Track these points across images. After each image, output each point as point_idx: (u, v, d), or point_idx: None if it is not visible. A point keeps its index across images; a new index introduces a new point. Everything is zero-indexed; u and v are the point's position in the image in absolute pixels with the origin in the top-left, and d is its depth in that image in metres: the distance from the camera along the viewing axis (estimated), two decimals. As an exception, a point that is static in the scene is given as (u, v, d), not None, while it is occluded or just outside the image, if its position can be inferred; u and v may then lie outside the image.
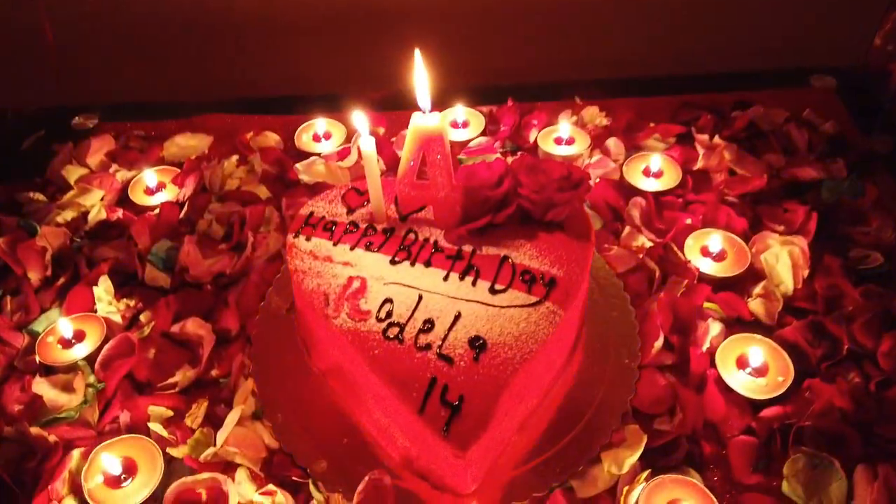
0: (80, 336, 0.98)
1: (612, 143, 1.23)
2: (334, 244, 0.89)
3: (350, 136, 1.29)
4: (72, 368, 0.95)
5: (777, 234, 1.04)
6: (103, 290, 1.01)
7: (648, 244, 1.05)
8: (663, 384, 0.88)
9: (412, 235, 0.89)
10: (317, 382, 0.90)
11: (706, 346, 0.91)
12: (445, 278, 0.83)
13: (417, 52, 0.83)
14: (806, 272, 0.99)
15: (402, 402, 0.73)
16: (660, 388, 0.88)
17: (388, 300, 0.81)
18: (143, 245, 1.08)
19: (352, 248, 0.88)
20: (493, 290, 0.81)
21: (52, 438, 0.87)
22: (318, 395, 0.89)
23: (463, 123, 1.31)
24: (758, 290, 0.98)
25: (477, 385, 0.73)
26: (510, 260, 0.84)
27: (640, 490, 0.77)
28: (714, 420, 0.85)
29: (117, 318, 1.00)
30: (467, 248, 0.86)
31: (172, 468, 0.84)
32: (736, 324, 0.95)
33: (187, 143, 1.30)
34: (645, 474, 0.78)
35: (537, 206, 0.88)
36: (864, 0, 1.39)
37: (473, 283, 0.82)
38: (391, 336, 0.78)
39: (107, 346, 0.95)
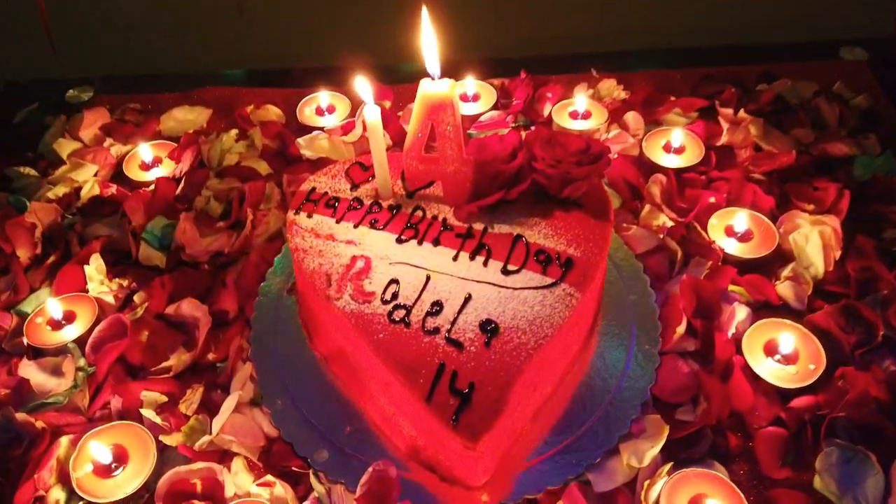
0: (70, 317, 0.94)
1: (631, 117, 1.18)
2: (337, 221, 0.86)
3: (355, 109, 1.24)
4: (61, 351, 0.91)
5: (806, 213, 1.01)
6: (95, 269, 0.97)
7: (669, 224, 1.01)
8: (686, 371, 0.85)
9: (420, 212, 0.86)
10: (319, 368, 0.88)
11: (732, 331, 0.88)
12: (455, 258, 0.80)
13: (425, 11, 0.77)
14: (838, 254, 0.96)
15: (409, 389, 0.71)
16: (682, 376, 0.85)
17: (394, 281, 0.78)
18: (138, 222, 1.04)
19: (355, 226, 0.85)
20: (505, 271, 0.78)
21: (39, 425, 0.83)
22: (319, 381, 0.87)
23: (473, 97, 1.26)
24: (786, 272, 0.95)
25: (488, 372, 0.70)
26: (524, 239, 0.81)
27: (661, 484, 0.74)
28: (740, 410, 0.82)
29: (110, 299, 0.96)
30: (478, 227, 0.83)
31: (166, 457, 0.81)
32: (763, 308, 0.92)
33: (185, 117, 1.26)
34: (667, 467, 0.76)
35: (553, 182, 0.84)
36: (896, -32, 1.33)
37: (485, 264, 0.79)
38: (397, 319, 0.75)
39: (98, 328, 0.91)
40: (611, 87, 1.25)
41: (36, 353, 0.91)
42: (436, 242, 0.82)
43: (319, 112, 1.25)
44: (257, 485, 0.78)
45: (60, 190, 1.11)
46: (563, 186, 0.83)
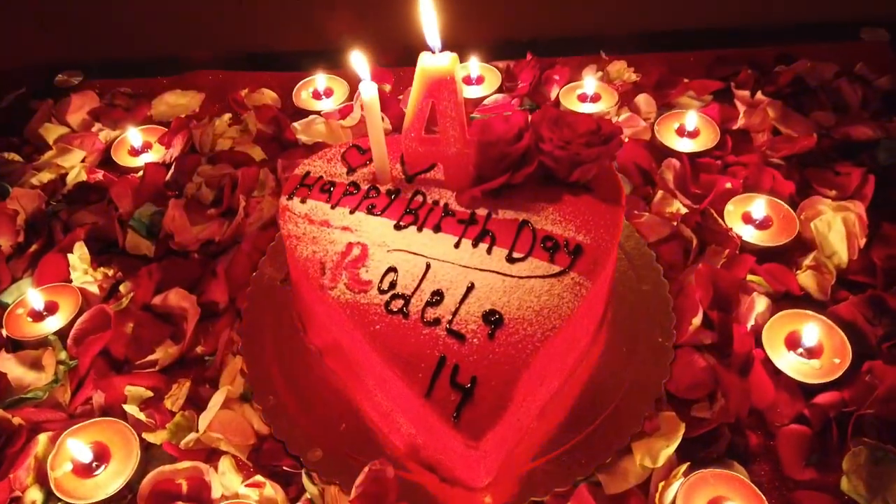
0: (52, 308, 0.90)
1: (643, 99, 1.15)
2: (332, 207, 0.82)
3: (353, 93, 1.19)
4: (42, 344, 0.88)
5: (829, 199, 0.98)
6: (78, 257, 0.93)
7: (684, 210, 0.98)
8: (702, 366, 0.82)
9: (420, 197, 0.83)
10: (313, 362, 0.85)
11: (751, 323, 0.86)
12: (457, 245, 0.77)
13: (424, -22, 0.72)
14: (862, 241, 0.93)
15: (407, 384, 0.67)
16: (698, 371, 0.82)
17: (392, 269, 0.75)
18: (125, 209, 1.00)
19: (352, 212, 0.82)
20: (510, 259, 0.75)
21: (16, 421, 0.80)
22: (313, 375, 0.84)
23: (477, 79, 1.22)
24: (808, 261, 0.92)
25: (492, 365, 0.67)
26: (530, 225, 0.78)
27: (677, 486, 0.71)
28: (761, 407, 0.80)
29: (94, 289, 0.92)
30: (482, 212, 0.80)
31: (150, 456, 0.79)
32: (784, 299, 0.89)
33: (177, 102, 1.22)
34: (683, 468, 0.72)
35: (561, 164, 0.80)
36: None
37: (488, 251, 0.76)
38: (395, 309, 0.72)
39: (80, 320, 0.87)
40: (621, 70, 1.21)
41: (15, 345, 0.88)
42: (436, 229, 0.79)
43: (316, 95, 1.21)
44: (246, 485, 0.74)
45: (45, 176, 1.08)
46: (572, 169, 0.80)
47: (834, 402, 0.78)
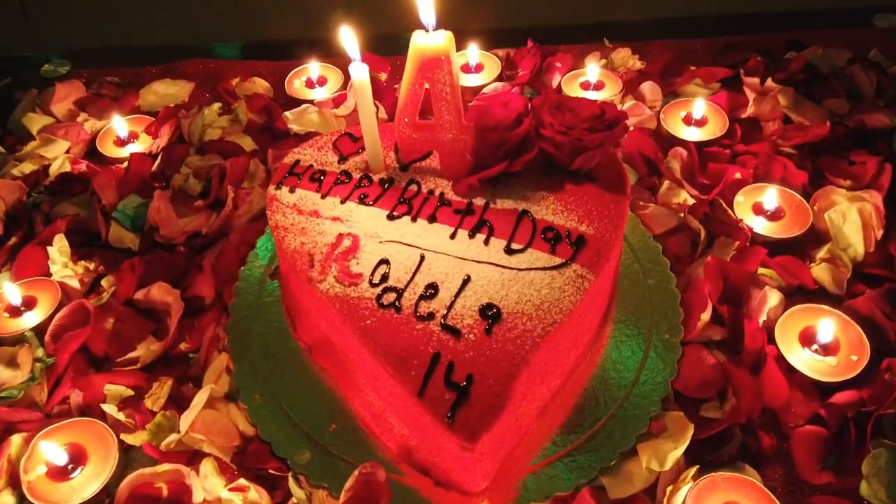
0: (30, 303, 0.87)
1: (648, 87, 1.12)
2: (322, 196, 0.80)
3: (348, 81, 1.15)
4: (18, 340, 0.85)
5: (843, 189, 0.96)
6: (58, 250, 0.90)
7: (691, 201, 0.96)
8: (712, 363, 0.80)
9: (414, 186, 0.81)
10: (302, 359, 0.83)
11: (762, 318, 0.83)
12: (453, 236, 0.75)
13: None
14: (879, 233, 0.91)
15: (399, 382, 0.65)
16: (707, 369, 0.80)
17: (384, 261, 0.73)
18: (109, 201, 0.97)
19: (343, 201, 0.79)
20: (509, 250, 0.73)
21: (-11, 421, 0.76)
22: (302, 373, 0.82)
23: (476, 67, 1.19)
24: (822, 253, 0.89)
25: (489, 363, 0.65)
26: (530, 215, 0.76)
27: (686, 491, 0.69)
28: (774, 406, 0.77)
29: (75, 284, 0.89)
30: (479, 202, 0.78)
31: (129, 458, 0.76)
32: (797, 293, 0.87)
33: (166, 91, 1.19)
34: (691, 471, 0.70)
35: (563, 151, 0.77)
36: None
37: (486, 242, 0.74)
38: (387, 303, 0.69)
39: (59, 315, 0.84)
40: (625, 57, 1.18)
41: (-9, 342, 0.85)
42: (431, 219, 0.76)
43: (310, 84, 1.18)
44: (229, 489, 0.71)
45: (27, 167, 1.05)
46: (575, 156, 0.77)
47: (852, 402, 0.76)
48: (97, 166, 1.05)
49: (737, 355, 0.80)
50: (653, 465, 0.71)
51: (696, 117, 1.06)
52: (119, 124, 1.09)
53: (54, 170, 1.04)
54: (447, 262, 0.72)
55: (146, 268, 0.89)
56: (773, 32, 1.23)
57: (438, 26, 0.72)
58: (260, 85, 1.18)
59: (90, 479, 0.72)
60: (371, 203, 0.78)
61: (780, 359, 0.79)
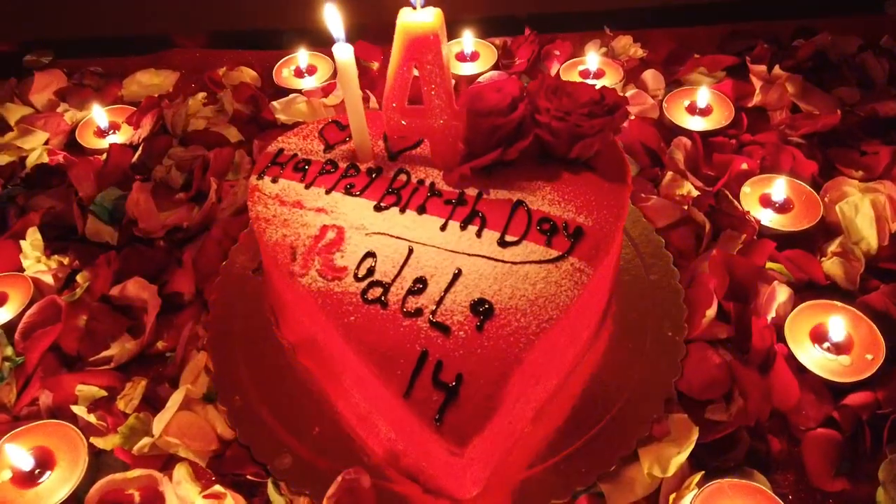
0: (1, 299, 0.84)
1: (650, 75, 1.10)
2: (306, 187, 0.78)
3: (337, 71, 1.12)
4: None
5: (855, 180, 0.93)
6: (31, 244, 0.87)
7: (695, 193, 0.94)
8: (717, 363, 0.78)
9: (403, 176, 0.78)
10: (284, 358, 0.80)
11: (771, 315, 0.82)
12: (443, 228, 0.72)
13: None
14: (893, 226, 0.89)
15: (384, 382, 0.63)
16: (713, 368, 0.78)
17: (370, 254, 0.70)
18: (86, 193, 0.94)
19: (328, 192, 0.77)
20: (502, 243, 0.70)
21: (-47, 424, 0.73)
22: (285, 374, 0.80)
23: (472, 55, 1.16)
24: (833, 247, 0.87)
25: (480, 362, 0.62)
26: (525, 205, 0.73)
27: (690, 498, 0.67)
28: (784, 409, 0.75)
29: (48, 279, 0.86)
30: (471, 192, 0.75)
31: (100, 462, 0.73)
32: (807, 289, 0.85)
33: (150, 81, 1.16)
34: (696, 478, 0.68)
35: (560, 138, 0.74)
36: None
37: (478, 234, 0.71)
38: (372, 298, 0.67)
39: (29, 312, 0.81)
40: (626, 45, 1.16)
41: (-42, 340, 0.81)
42: (421, 210, 0.74)
43: (299, 74, 1.15)
44: (204, 496, 0.68)
45: (4, 158, 1.03)
46: (572, 143, 0.74)
47: (866, 403, 0.74)
48: (76, 158, 1.02)
49: (744, 354, 0.78)
50: (655, 470, 0.69)
51: (701, 106, 1.03)
52: (99, 114, 1.06)
53: (31, 161, 1.01)
54: (437, 255, 0.70)
55: (123, 262, 0.86)
56: (780, 19, 1.21)
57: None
58: (247, 74, 1.15)
59: (58, 485, 0.69)
60: (357, 193, 0.75)
61: (790, 358, 0.78)
